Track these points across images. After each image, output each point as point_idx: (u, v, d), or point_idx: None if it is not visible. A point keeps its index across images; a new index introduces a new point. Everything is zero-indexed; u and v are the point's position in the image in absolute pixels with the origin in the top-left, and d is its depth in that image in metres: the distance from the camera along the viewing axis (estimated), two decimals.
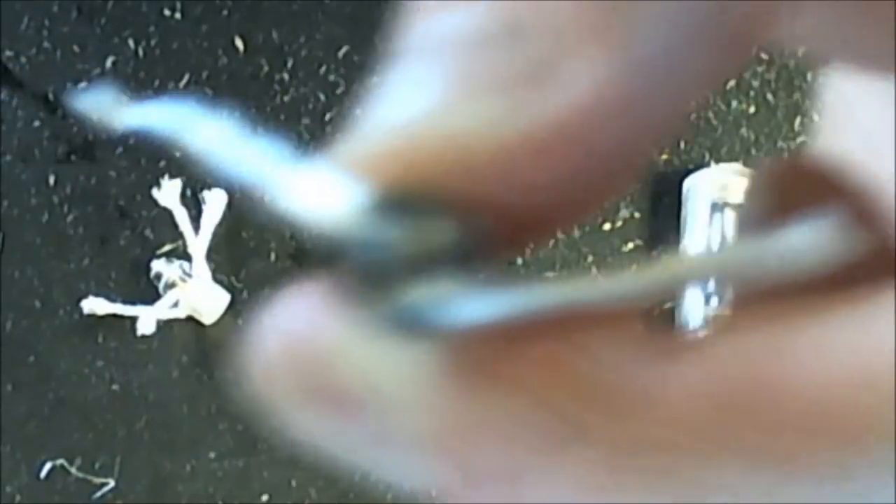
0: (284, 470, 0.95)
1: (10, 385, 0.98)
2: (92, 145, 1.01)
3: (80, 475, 0.96)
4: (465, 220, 0.14)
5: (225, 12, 1.03)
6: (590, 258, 0.97)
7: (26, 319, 0.98)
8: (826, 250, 0.13)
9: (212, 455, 0.97)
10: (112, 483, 0.96)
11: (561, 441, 0.13)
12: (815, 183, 0.17)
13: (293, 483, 0.95)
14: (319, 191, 0.14)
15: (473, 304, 0.13)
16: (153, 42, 1.02)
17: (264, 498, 0.95)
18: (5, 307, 0.99)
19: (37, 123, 1.02)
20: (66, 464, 0.96)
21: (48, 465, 0.96)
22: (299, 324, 0.15)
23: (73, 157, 1.01)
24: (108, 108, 0.16)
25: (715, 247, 0.91)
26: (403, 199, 0.14)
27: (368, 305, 0.14)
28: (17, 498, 0.96)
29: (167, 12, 1.03)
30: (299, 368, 0.15)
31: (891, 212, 0.17)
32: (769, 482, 0.13)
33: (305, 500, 0.95)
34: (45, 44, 1.03)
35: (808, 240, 0.13)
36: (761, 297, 0.14)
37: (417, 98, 0.14)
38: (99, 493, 0.96)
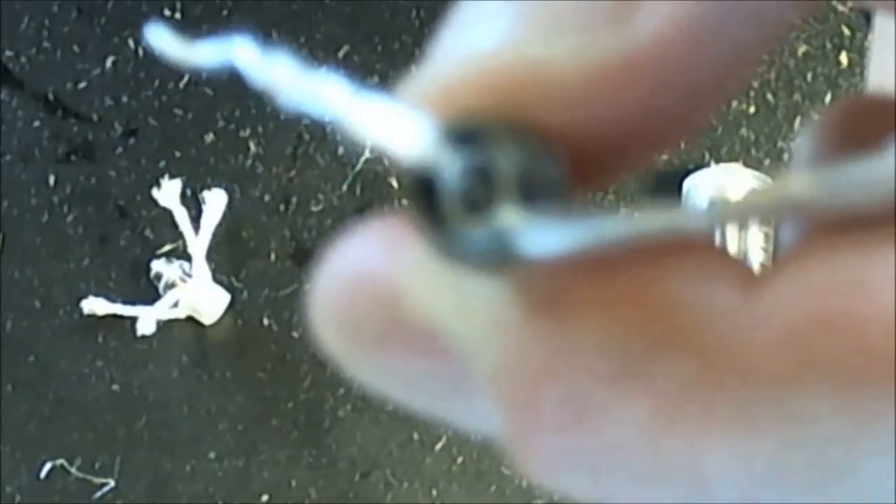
0: (284, 470, 0.95)
1: (10, 385, 0.98)
2: (92, 145, 1.01)
3: (80, 475, 0.96)
4: (540, 151, 0.14)
5: (225, 12, 1.03)
6: None
7: (26, 319, 0.98)
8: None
9: (212, 455, 0.96)
10: (112, 483, 0.96)
11: (633, 376, 0.13)
12: (883, 119, 0.17)
13: (293, 483, 0.95)
14: (394, 122, 0.14)
15: (548, 236, 0.13)
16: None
17: (264, 498, 0.95)
18: (5, 307, 0.99)
19: (37, 123, 1.02)
20: (66, 464, 0.96)
21: (48, 465, 0.96)
22: (370, 261, 0.14)
23: (73, 157, 1.01)
24: (175, 47, 0.16)
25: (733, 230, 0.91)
26: (478, 128, 0.14)
27: (441, 239, 0.14)
28: (17, 498, 0.96)
29: (167, 12, 1.03)
30: (372, 307, 0.14)
31: None
32: (856, 413, 0.13)
33: (305, 500, 0.95)
34: (45, 44, 1.03)
35: (882, 169, 0.13)
36: (835, 227, 0.14)
37: (492, 31, 0.14)
38: (99, 493, 0.96)
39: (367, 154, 0.96)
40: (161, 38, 0.15)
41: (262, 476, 0.96)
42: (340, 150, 0.97)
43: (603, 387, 0.13)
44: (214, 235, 0.98)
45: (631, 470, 0.13)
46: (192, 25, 1.02)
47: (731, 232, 0.93)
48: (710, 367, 0.13)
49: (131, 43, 1.02)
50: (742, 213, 0.13)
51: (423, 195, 0.14)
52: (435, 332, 0.14)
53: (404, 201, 0.14)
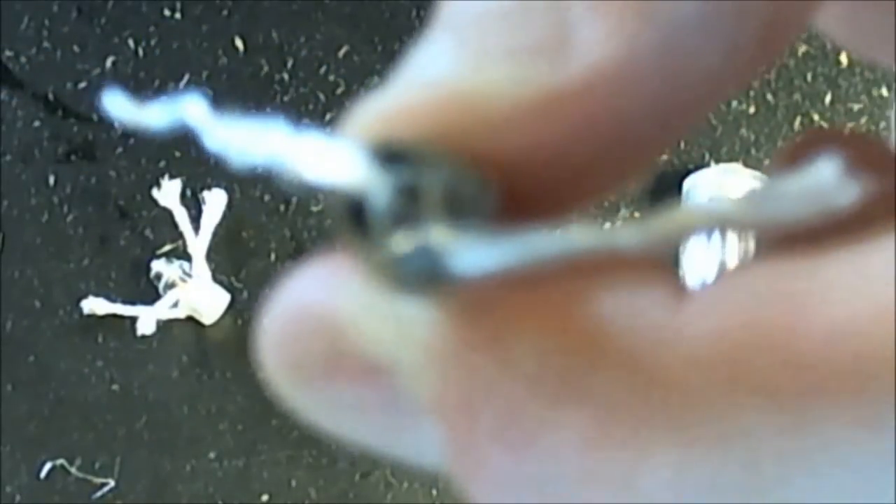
0: (284, 470, 0.95)
1: (10, 385, 0.98)
2: (92, 145, 1.01)
3: (80, 475, 0.96)
4: (469, 174, 0.14)
5: (225, 12, 1.03)
6: None
7: (26, 319, 0.98)
8: (831, 195, 0.13)
9: (212, 455, 0.96)
10: (112, 483, 0.96)
11: (567, 393, 0.13)
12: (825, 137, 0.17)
13: (293, 483, 0.95)
14: (329, 154, 0.14)
15: (477, 255, 0.13)
16: (153, 42, 1.02)
17: (264, 498, 0.95)
18: (5, 307, 0.99)
19: (37, 123, 1.02)
20: (66, 464, 0.96)
21: (48, 465, 0.96)
22: (313, 294, 0.15)
23: (73, 157, 1.01)
24: (116, 108, 0.16)
25: (715, 246, 0.91)
26: (407, 150, 0.14)
27: (374, 262, 0.14)
28: (17, 498, 0.96)
29: (167, 12, 1.03)
30: (315, 340, 0.14)
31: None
32: (787, 427, 0.13)
33: (305, 500, 0.95)
34: (45, 44, 1.03)
35: (814, 183, 0.13)
36: (769, 242, 0.14)
37: (435, 64, 0.14)
38: (99, 493, 0.95)
39: None
40: (115, 103, 0.15)
41: (262, 476, 0.96)
42: None
43: (537, 405, 0.13)
44: (214, 235, 0.98)
45: (570, 485, 0.13)
46: (193, 25, 1.02)
47: (732, 239, 0.93)
48: (643, 382, 0.13)
49: (131, 43, 1.02)
50: (672, 230, 0.13)
51: (354, 219, 0.14)
52: (377, 362, 0.14)
53: (338, 231, 0.14)
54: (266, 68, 1.02)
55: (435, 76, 0.14)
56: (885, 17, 0.19)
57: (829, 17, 0.19)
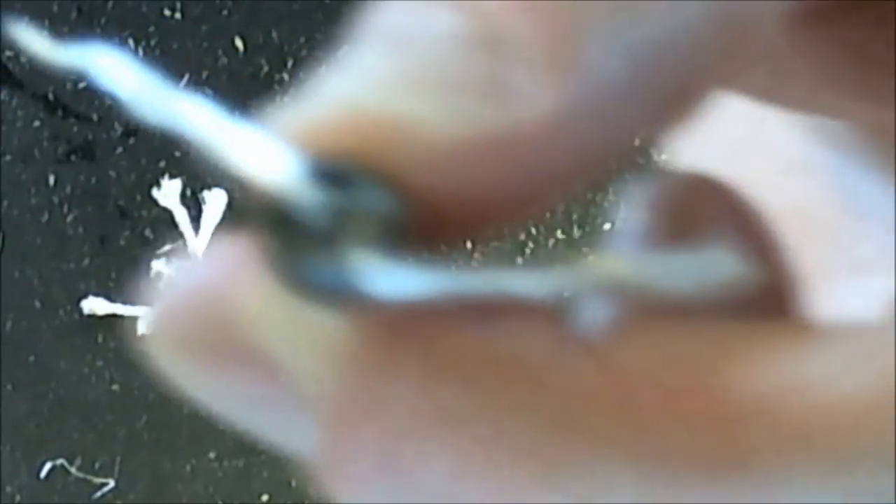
0: (284, 470, 0.95)
1: (10, 385, 0.98)
2: (92, 145, 1.01)
3: (80, 475, 0.96)
4: (396, 200, 0.14)
5: (225, 12, 1.03)
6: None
7: (26, 319, 0.98)
8: (723, 277, 0.14)
9: (212, 455, 0.97)
10: (112, 483, 0.96)
11: (445, 424, 0.14)
12: (713, 204, 0.18)
13: (293, 483, 0.95)
14: (259, 150, 0.14)
15: (393, 280, 0.14)
16: (153, 42, 1.02)
17: (264, 498, 0.95)
18: (5, 307, 0.99)
19: (37, 123, 1.02)
20: (66, 464, 0.96)
21: (48, 465, 0.96)
22: (212, 280, 0.15)
23: (73, 157, 1.01)
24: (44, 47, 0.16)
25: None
26: (337, 168, 0.14)
27: (288, 269, 0.14)
28: (17, 498, 0.96)
29: (167, 12, 1.03)
30: (208, 325, 0.15)
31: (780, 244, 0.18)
32: (651, 491, 0.13)
33: (305, 500, 0.95)
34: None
35: (706, 264, 0.14)
36: (662, 312, 0.14)
37: (368, 80, 0.15)
38: (99, 493, 0.96)
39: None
40: (29, 36, 0.16)
41: (262, 476, 0.96)
42: None
43: (417, 431, 0.14)
44: (214, 235, 0.98)
45: None
46: (193, 25, 1.03)
47: None
48: (522, 423, 0.14)
49: (131, 43, 1.02)
50: (571, 286, 0.14)
51: (277, 224, 0.14)
52: (267, 355, 0.14)
53: (257, 226, 0.15)
54: (266, 68, 1.02)
55: (374, 95, 0.15)
56: (801, 74, 0.20)
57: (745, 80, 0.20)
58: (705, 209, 0.18)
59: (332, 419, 0.14)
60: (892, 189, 0.26)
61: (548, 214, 0.97)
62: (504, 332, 0.14)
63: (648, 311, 0.15)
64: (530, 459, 0.14)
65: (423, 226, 0.14)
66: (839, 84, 0.20)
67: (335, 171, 0.14)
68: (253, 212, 0.15)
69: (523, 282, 0.14)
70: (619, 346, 0.14)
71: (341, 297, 0.14)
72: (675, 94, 0.16)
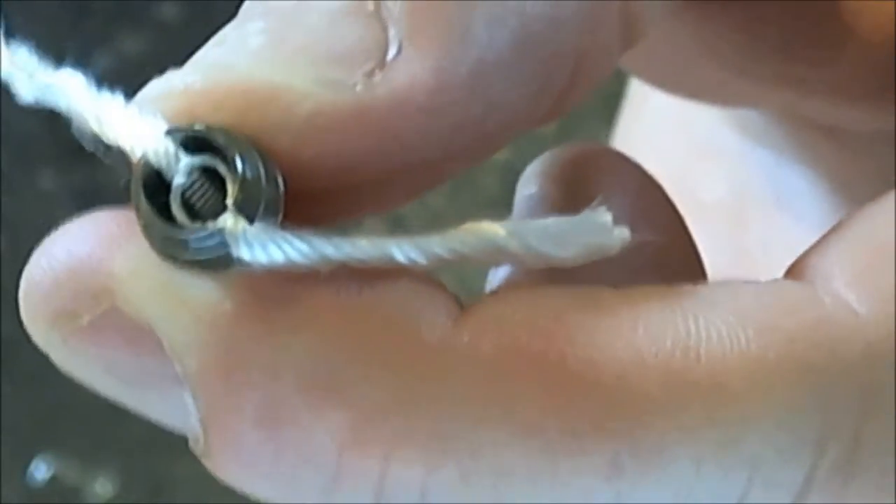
0: None
1: (9, 385, 0.97)
2: None
3: (79, 476, 0.96)
4: (268, 168, 0.14)
5: (225, 12, 1.03)
6: None
7: None
8: (599, 240, 0.14)
9: None
10: (111, 485, 0.96)
11: (330, 390, 0.14)
12: (605, 173, 0.18)
13: None
14: (131, 120, 0.15)
15: (266, 247, 0.14)
16: (153, 42, 1.02)
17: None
18: (5, 307, 0.98)
19: (37, 123, 1.01)
20: (65, 465, 0.96)
21: (46, 467, 0.96)
22: (85, 251, 0.15)
23: (72, 157, 1.01)
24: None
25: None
26: (213, 137, 0.14)
27: (162, 237, 0.14)
28: (15, 498, 0.96)
29: (167, 12, 1.03)
30: (81, 297, 0.15)
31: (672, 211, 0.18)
32: (532, 451, 0.13)
33: None
34: (46, 44, 1.02)
35: (582, 228, 0.14)
36: (542, 274, 0.14)
37: (242, 50, 0.15)
38: (99, 494, 0.95)
39: None
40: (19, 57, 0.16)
41: None
42: None
43: (299, 397, 0.14)
44: None
45: (320, 481, 0.14)
46: (193, 25, 1.02)
47: None
48: (408, 390, 0.14)
49: (131, 43, 1.02)
50: (447, 252, 0.14)
51: (149, 193, 0.15)
52: (143, 327, 0.14)
53: (131, 196, 0.15)
54: None
55: (246, 64, 0.14)
56: (676, 57, 0.20)
57: (630, 60, 0.21)
58: (597, 177, 0.18)
59: (210, 388, 0.14)
60: (819, 180, 0.26)
61: None
62: (391, 298, 0.14)
63: (527, 275, 0.15)
64: (412, 422, 0.13)
65: (299, 195, 0.14)
66: (733, 65, 0.20)
67: (208, 139, 0.14)
68: (126, 181, 0.15)
69: (403, 249, 0.14)
70: (495, 309, 0.14)
71: (216, 264, 0.14)
72: (561, 72, 0.15)
